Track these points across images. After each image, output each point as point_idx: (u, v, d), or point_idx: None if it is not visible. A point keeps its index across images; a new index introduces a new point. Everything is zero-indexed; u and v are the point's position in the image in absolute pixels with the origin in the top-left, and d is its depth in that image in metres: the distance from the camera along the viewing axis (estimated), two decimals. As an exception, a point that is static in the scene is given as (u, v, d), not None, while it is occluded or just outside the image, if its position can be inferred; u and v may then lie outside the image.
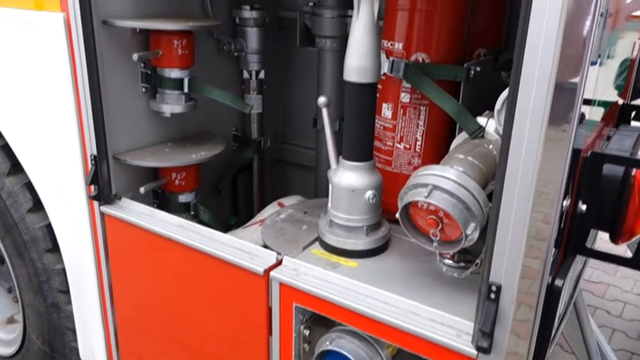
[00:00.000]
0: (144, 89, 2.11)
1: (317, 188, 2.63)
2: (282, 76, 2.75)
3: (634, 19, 1.93)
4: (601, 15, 1.18)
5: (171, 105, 2.10)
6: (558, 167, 1.18)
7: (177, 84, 2.08)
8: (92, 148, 1.99)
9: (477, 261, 1.50)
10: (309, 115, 2.58)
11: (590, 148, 1.45)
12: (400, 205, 1.46)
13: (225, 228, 2.26)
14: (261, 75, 2.50)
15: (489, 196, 1.37)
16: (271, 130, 2.77)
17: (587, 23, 1.12)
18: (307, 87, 2.62)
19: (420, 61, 1.74)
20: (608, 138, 1.72)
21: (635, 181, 1.30)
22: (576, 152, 1.26)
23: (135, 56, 1.95)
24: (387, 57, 1.77)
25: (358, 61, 1.57)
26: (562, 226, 1.31)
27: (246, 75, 2.50)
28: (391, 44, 1.78)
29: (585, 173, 1.32)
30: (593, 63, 1.26)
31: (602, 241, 2.03)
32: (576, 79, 1.13)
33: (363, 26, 1.55)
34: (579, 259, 1.74)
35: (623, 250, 1.94)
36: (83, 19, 1.84)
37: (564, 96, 1.13)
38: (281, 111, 2.83)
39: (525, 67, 1.12)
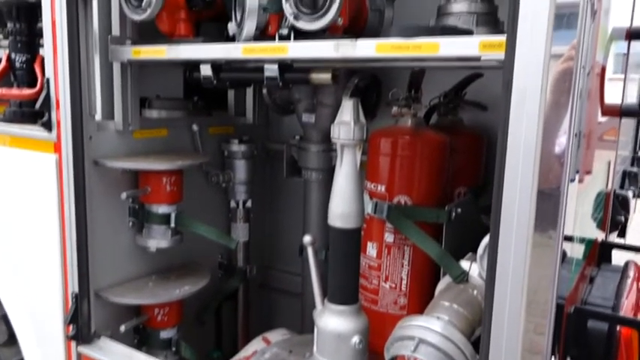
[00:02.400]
0: (131, 223, 2.12)
1: (303, 315, 2.57)
2: (269, 205, 2.79)
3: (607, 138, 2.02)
4: (575, 135, 1.25)
5: (158, 240, 2.11)
6: (543, 323, 1.18)
7: (165, 219, 2.10)
8: (74, 286, 1.96)
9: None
10: (296, 243, 2.58)
11: (573, 296, 1.45)
12: (387, 357, 1.43)
13: (207, 365, 2.18)
14: (249, 204, 2.54)
15: (476, 343, 1.36)
16: (257, 257, 2.76)
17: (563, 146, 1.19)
18: (294, 215, 2.66)
19: (403, 203, 1.79)
20: (591, 279, 1.73)
21: (621, 336, 1.29)
22: (560, 307, 1.26)
23: (123, 195, 1.99)
24: (371, 198, 1.82)
25: (342, 207, 1.60)
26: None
27: (233, 204, 2.54)
28: (374, 186, 1.84)
29: (570, 328, 1.32)
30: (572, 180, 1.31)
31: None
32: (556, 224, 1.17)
33: (346, 174, 1.60)
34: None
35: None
36: (75, 161, 1.90)
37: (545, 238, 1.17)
38: (267, 238, 2.84)
39: (504, 215, 1.17)
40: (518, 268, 1.20)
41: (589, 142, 1.61)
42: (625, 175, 2.81)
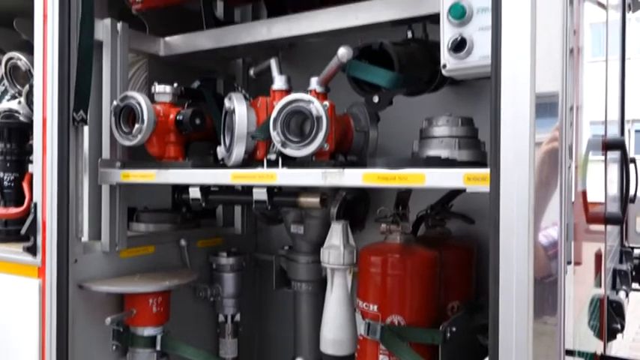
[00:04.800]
0: (114, 347, 2.04)
1: None
2: (258, 318, 2.72)
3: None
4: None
5: (142, 364, 2.02)
6: None
7: (150, 342, 2.02)
8: (51, 420, 1.84)
9: None
10: (287, 357, 2.49)
11: None
12: None
13: None
14: (237, 318, 2.47)
15: None
16: (247, 373, 2.65)
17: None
18: (284, 328, 2.58)
19: (396, 323, 1.75)
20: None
21: None
22: None
23: (108, 320, 1.93)
24: (363, 318, 1.78)
25: (334, 333, 1.57)
26: None
27: (221, 318, 2.46)
28: (366, 305, 1.80)
29: None
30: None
31: None
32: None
33: (337, 299, 1.58)
34: None
35: None
36: (59, 286, 1.85)
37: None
38: (257, 354, 2.74)
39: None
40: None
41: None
42: (615, 273, 2.80)
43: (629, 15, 3.54)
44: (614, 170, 2.61)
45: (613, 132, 2.87)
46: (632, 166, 2.98)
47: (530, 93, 1.21)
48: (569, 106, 1.34)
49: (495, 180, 1.22)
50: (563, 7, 1.29)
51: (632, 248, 3.31)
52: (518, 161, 1.20)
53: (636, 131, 17.05)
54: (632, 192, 2.95)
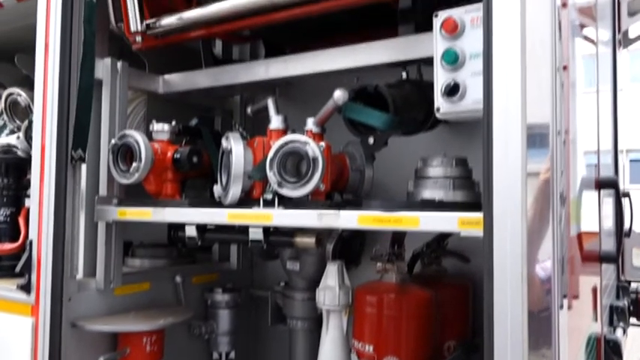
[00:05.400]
0: (106, 387, 2.01)
1: None
2: (254, 355, 2.69)
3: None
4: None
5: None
6: None
7: (143, 382, 1.99)
8: None
9: None
10: (282, 398, 2.45)
11: None
12: None
13: None
14: (232, 355, 2.44)
15: None
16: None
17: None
18: (279, 365, 2.55)
19: (392, 364, 1.74)
20: None
21: None
22: None
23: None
24: (359, 359, 1.77)
25: (329, 376, 1.55)
26: None
27: (216, 356, 2.43)
28: (362, 345, 1.79)
29: None
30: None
31: None
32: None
33: (332, 340, 1.58)
34: None
35: None
36: (52, 325, 1.84)
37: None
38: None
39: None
40: None
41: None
42: (612, 310, 2.79)
43: (619, 51, 3.62)
44: (608, 205, 2.63)
45: (607, 161, 2.90)
46: (626, 200, 3.00)
47: (522, 137, 1.24)
48: (561, 142, 1.37)
49: (489, 225, 1.23)
50: (552, 49, 1.33)
51: (629, 282, 3.30)
52: (510, 210, 1.22)
53: (631, 161, 17.21)
54: (627, 226, 2.98)
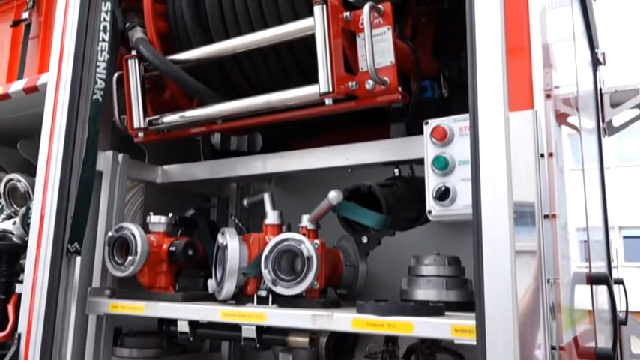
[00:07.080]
0: None
1: None
2: None
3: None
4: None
5: None
6: None
7: None
8: None
9: None
10: None
11: None
12: None
13: None
14: None
15: None
16: None
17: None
18: None
19: None
20: None
21: None
22: None
23: None
24: None
25: None
26: None
27: None
28: None
29: None
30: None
31: None
32: None
33: None
34: None
35: None
36: None
37: None
38: None
39: None
40: None
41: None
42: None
43: (604, 138, 3.75)
44: (602, 294, 2.63)
45: (598, 237, 2.91)
46: (620, 287, 3.00)
47: (511, 246, 1.27)
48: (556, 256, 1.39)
49: (481, 333, 1.24)
50: (535, 161, 1.37)
51: (628, 372, 3.23)
52: (503, 319, 1.23)
53: (624, 237, 17.27)
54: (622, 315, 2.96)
